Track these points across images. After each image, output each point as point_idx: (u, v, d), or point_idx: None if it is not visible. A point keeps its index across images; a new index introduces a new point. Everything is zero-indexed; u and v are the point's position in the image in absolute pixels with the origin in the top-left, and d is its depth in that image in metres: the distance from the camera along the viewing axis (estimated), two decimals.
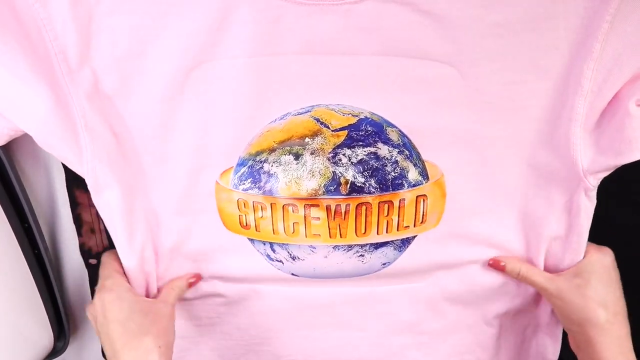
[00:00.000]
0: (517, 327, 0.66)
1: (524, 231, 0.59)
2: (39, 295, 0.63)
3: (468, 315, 0.64)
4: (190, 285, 0.60)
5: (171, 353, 0.56)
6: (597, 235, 0.59)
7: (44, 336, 0.65)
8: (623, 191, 0.67)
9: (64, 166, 0.61)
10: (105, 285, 0.55)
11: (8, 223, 0.59)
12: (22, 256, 0.61)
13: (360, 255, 0.58)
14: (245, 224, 0.57)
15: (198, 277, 0.60)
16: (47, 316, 0.64)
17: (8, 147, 0.59)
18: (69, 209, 0.64)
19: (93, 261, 0.66)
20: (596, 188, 0.55)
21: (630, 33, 0.47)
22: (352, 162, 0.54)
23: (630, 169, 0.54)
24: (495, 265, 0.59)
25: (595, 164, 0.53)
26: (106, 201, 0.54)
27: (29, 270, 0.61)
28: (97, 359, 0.72)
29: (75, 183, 0.62)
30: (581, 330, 0.55)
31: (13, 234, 0.59)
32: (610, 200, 0.59)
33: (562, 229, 0.58)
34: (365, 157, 0.54)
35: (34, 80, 0.47)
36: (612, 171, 0.54)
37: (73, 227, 0.65)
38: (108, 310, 0.53)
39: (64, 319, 0.66)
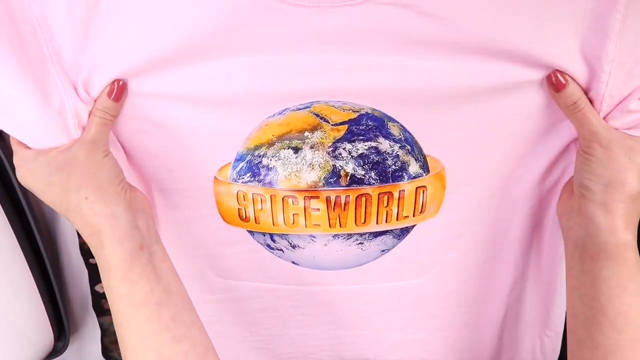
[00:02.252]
0: (518, 327, 0.67)
1: (524, 220, 0.59)
2: (39, 295, 0.62)
3: (467, 313, 0.64)
4: (117, 97, 0.49)
5: (115, 193, 0.49)
6: None
7: (44, 336, 0.64)
8: None
9: None
10: (15, 165, 0.50)
11: (8, 223, 0.59)
12: (22, 256, 0.60)
13: (360, 243, 0.59)
14: (244, 217, 0.57)
15: (119, 83, 0.49)
16: (47, 316, 0.64)
17: (8, 147, 0.59)
18: None
19: (93, 261, 0.66)
20: None
21: None
22: (352, 156, 0.54)
23: None
24: (555, 81, 0.49)
25: None
26: None
27: (29, 270, 0.61)
28: (97, 359, 0.72)
29: None
30: (604, 191, 0.49)
31: (13, 234, 0.59)
32: None
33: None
34: (365, 151, 0.54)
35: (24, 81, 0.46)
36: None
37: (73, 227, 0.65)
38: (31, 188, 0.49)
39: (64, 319, 0.66)
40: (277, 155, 0.54)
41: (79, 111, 0.50)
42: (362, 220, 0.57)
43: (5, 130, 0.49)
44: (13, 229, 0.59)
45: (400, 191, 0.56)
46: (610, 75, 0.47)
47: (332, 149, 0.54)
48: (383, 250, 0.60)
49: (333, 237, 0.58)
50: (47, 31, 0.47)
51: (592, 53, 0.48)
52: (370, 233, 0.58)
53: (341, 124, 0.53)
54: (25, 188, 0.59)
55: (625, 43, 0.46)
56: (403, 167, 0.55)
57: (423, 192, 0.56)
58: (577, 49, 0.48)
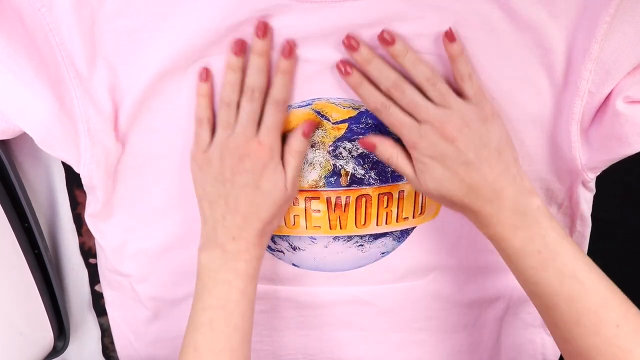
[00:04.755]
0: (518, 327, 0.67)
1: None
2: (39, 295, 0.62)
3: (467, 314, 0.64)
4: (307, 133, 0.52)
5: None
6: (598, 236, 0.60)
7: (44, 336, 0.64)
8: (623, 192, 0.68)
9: (64, 165, 0.61)
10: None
11: (8, 223, 0.59)
12: (22, 256, 0.60)
13: (360, 245, 0.59)
14: None
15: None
16: (47, 316, 0.64)
17: (8, 147, 0.59)
18: (69, 209, 0.64)
19: (93, 261, 0.66)
20: (594, 179, 0.56)
21: (629, 34, 0.47)
22: (352, 156, 0.54)
23: (630, 170, 0.55)
24: (366, 144, 0.53)
25: (592, 160, 0.53)
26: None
27: (29, 270, 0.61)
28: (97, 359, 0.72)
29: (76, 183, 0.62)
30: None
31: (13, 234, 0.59)
32: (610, 201, 0.59)
33: (563, 216, 0.58)
34: (365, 150, 0.54)
35: (38, 85, 0.47)
36: (609, 165, 0.54)
37: (73, 227, 0.65)
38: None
39: (64, 319, 0.66)
40: None
41: (89, 117, 0.50)
42: (362, 222, 0.57)
43: (22, 128, 0.49)
44: (13, 229, 0.59)
45: (399, 192, 0.56)
46: (591, 73, 0.48)
47: (332, 148, 0.54)
48: (383, 253, 0.60)
49: (333, 239, 0.58)
50: (58, 34, 0.47)
51: (578, 50, 0.49)
52: (371, 235, 0.58)
53: (341, 122, 0.53)
54: (24, 188, 0.59)
55: (609, 44, 0.47)
56: None
57: None
58: (565, 45, 0.49)
